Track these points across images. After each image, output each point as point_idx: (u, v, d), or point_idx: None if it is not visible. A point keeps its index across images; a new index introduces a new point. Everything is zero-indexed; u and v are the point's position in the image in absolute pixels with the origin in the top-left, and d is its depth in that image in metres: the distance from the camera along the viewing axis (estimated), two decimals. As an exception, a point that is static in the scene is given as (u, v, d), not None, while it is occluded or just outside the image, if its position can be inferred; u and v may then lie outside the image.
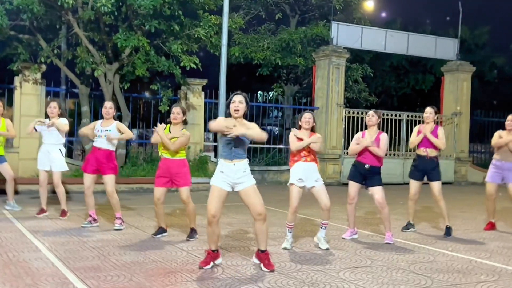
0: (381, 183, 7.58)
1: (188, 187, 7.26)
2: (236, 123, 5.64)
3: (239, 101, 5.68)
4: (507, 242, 8.00)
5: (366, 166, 7.55)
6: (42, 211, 8.95)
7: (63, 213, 8.86)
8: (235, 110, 5.67)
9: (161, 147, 7.28)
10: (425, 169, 8.38)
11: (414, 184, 8.53)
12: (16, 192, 11.67)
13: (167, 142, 7.06)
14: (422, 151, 8.39)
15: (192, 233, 7.43)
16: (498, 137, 8.81)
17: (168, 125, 7.33)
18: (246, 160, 5.78)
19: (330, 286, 5.31)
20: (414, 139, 8.51)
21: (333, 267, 6.07)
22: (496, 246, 7.66)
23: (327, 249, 7.01)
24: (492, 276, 5.90)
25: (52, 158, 8.81)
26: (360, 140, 7.60)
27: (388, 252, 7.00)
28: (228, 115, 5.80)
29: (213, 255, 5.88)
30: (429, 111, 8.45)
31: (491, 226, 9.03)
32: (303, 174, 6.92)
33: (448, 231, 8.29)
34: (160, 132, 7.09)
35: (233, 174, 5.65)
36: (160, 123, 7.43)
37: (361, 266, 6.20)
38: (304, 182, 6.92)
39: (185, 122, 7.35)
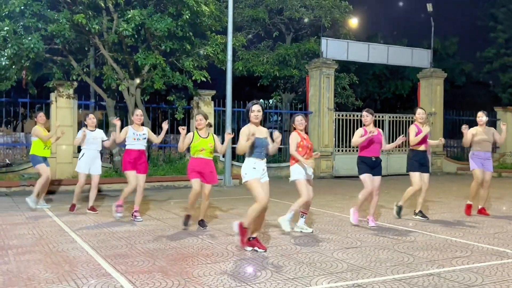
0: (381, 174, 7.63)
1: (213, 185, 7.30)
2: (255, 129, 5.81)
3: (257, 110, 5.84)
4: (478, 223, 7.98)
5: (373, 158, 7.51)
6: (73, 206, 8.88)
7: (93, 208, 8.84)
8: (256, 118, 5.82)
9: (195, 149, 7.17)
10: (426, 163, 8.30)
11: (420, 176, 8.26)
12: (53, 192, 11.73)
13: (222, 149, 7.32)
14: (424, 147, 8.25)
15: (204, 222, 7.41)
16: (471, 135, 8.72)
17: (195, 131, 7.28)
18: (265, 160, 5.96)
19: (326, 265, 5.29)
20: (416, 138, 8.15)
21: (328, 249, 6.06)
22: (468, 226, 7.64)
23: (312, 232, 7.01)
24: (466, 252, 5.89)
25: (94, 162, 8.84)
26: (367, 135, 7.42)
27: (375, 234, 6.98)
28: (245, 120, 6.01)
29: (244, 231, 5.90)
30: (421, 111, 8.36)
31: (470, 209, 8.79)
32: (305, 170, 7.01)
33: (422, 214, 8.33)
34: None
35: (261, 170, 5.86)
36: (173, 132, 7.52)
37: (352, 247, 6.18)
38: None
39: (210, 125, 7.37)
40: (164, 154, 15.76)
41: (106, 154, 15.24)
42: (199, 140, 7.15)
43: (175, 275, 4.90)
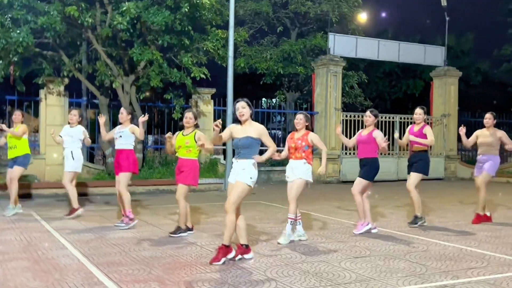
0: (363, 176, 7.62)
1: (186, 186, 7.13)
2: (239, 128, 5.89)
3: (242, 107, 5.87)
4: (494, 231, 7.97)
5: (359, 159, 7.84)
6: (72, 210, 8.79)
7: (71, 212, 8.71)
8: (240, 116, 5.86)
9: (177, 147, 7.24)
10: (413, 163, 8.44)
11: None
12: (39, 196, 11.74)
13: (210, 147, 6.82)
14: (414, 147, 8.43)
15: (178, 230, 7.27)
16: (475, 137, 8.87)
17: (182, 131, 7.36)
18: (249, 161, 5.80)
19: (333, 275, 5.29)
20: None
21: (335, 258, 6.06)
22: (484, 235, 7.63)
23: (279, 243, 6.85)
24: (482, 263, 5.88)
25: (65, 160, 8.79)
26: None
27: (385, 242, 6.97)
28: (237, 121, 5.97)
29: (225, 250, 5.76)
30: (417, 111, 8.48)
31: (481, 219, 8.76)
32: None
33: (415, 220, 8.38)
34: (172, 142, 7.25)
35: (235, 169, 5.91)
36: (170, 131, 7.44)
37: (361, 256, 6.18)
38: None
39: (196, 126, 7.35)
40: (160, 156, 15.77)
41: (98, 155, 15.30)
42: (179, 138, 7.23)
43: (172, 284, 4.90)
